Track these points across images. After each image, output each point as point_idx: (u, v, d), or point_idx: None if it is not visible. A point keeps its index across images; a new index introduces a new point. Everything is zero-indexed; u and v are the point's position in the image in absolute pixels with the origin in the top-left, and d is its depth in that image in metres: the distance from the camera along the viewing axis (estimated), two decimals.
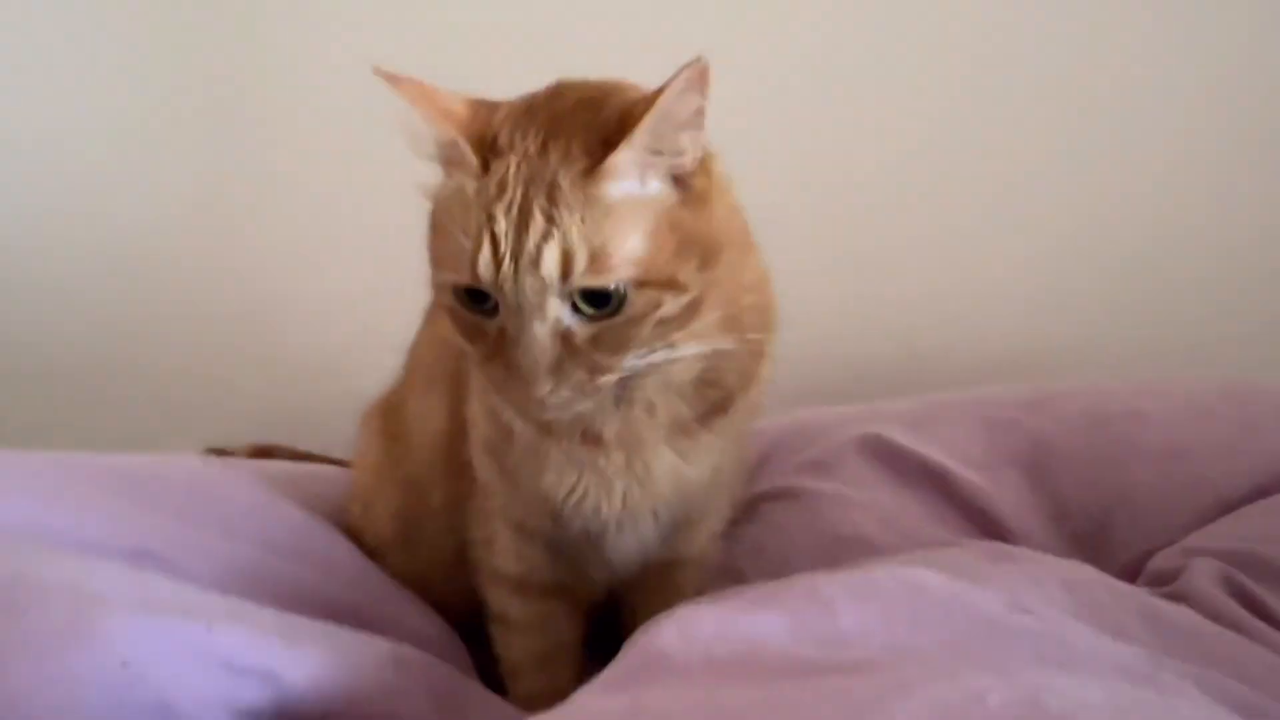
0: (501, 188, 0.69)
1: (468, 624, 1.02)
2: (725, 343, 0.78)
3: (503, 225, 0.68)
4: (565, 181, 0.68)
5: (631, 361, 0.72)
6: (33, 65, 1.45)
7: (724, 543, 1.02)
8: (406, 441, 1.02)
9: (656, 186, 0.71)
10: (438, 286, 0.74)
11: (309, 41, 1.42)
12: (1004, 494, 1.12)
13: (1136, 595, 0.85)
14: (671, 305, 0.71)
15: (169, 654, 0.70)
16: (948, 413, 1.22)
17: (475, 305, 0.71)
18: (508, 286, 0.68)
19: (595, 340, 0.70)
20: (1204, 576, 0.90)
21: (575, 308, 0.69)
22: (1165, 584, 0.93)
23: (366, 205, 1.41)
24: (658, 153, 0.70)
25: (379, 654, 0.81)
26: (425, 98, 0.71)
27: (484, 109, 0.74)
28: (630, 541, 0.89)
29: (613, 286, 0.68)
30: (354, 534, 1.07)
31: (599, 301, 0.69)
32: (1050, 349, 1.41)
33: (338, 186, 1.46)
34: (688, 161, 0.71)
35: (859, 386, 1.40)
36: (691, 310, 0.72)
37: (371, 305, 1.29)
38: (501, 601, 0.93)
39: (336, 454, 1.26)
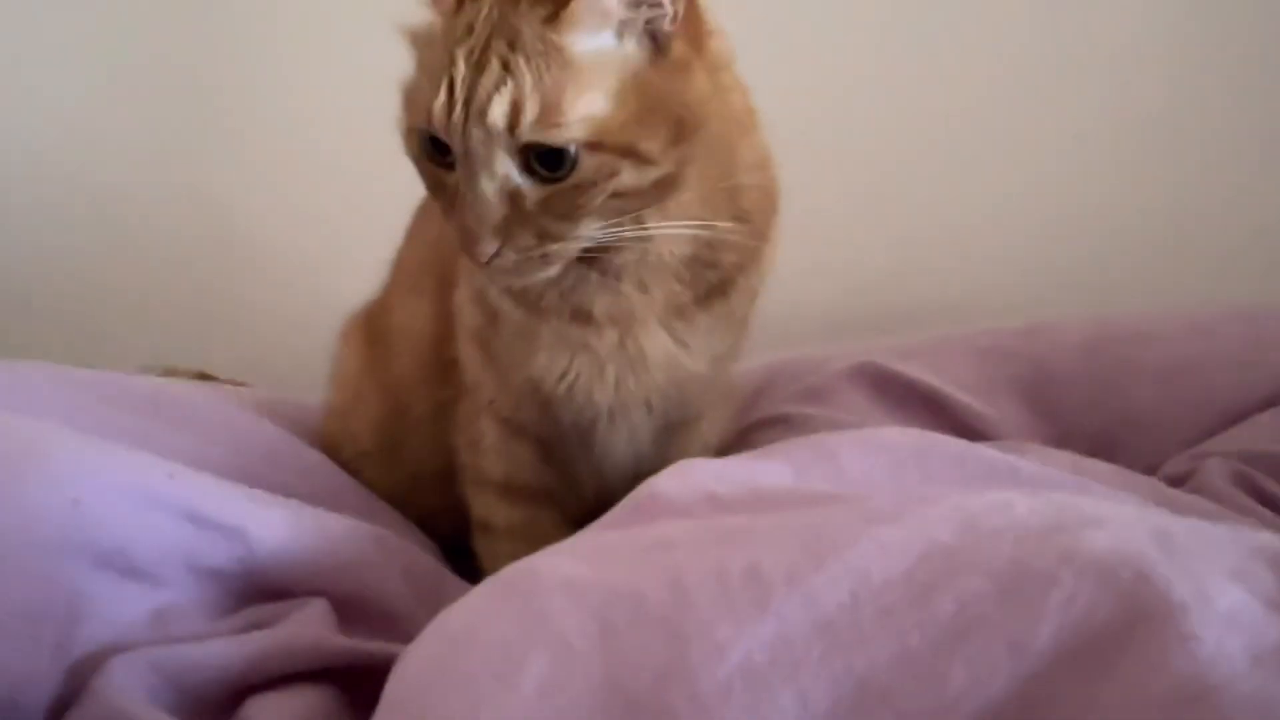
0: (468, 30, 0.65)
1: (448, 548, 0.98)
2: (719, 223, 0.74)
3: (461, 70, 0.64)
4: (528, 27, 0.64)
5: (589, 232, 0.67)
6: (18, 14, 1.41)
7: None
8: (391, 347, 0.98)
9: (633, 46, 0.67)
10: (404, 133, 0.70)
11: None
12: (1001, 417, 1.08)
13: (1149, 482, 0.82)
14: (632, 176, 0.66)
15: (125, 496, 0.64)
16: (942, 344, 1.19)
17: (438, 156, 0.67)
18: (456, 135, 0.64)
19: (545, 204, 0.65)
20: (1216, 475, 0.87)
21: (530, 168, 0.65)
22: (1176, 486, 0.90)
23: (351, 145, 1.38)
24: (633, 3, 0.65)
25: (354, 529, 0.76)
26: None
27: None
28: (622, 436, 0.84)
29: (564, 145, 0.64)
30: (330, 449, 1.02)
31: (553, 164, 0.64)
32: (1045, 296, 1.39)
33: (319, 124, 1.42)
34: (665, 20, 0.67)
35: (843, 334, 1.37)
36: (662, 187, 0.68)
37: (343, 238, 1.26)
38: (486, 507, 0.88)
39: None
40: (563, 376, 0.80)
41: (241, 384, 1.26)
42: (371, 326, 1.02)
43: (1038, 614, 0.45)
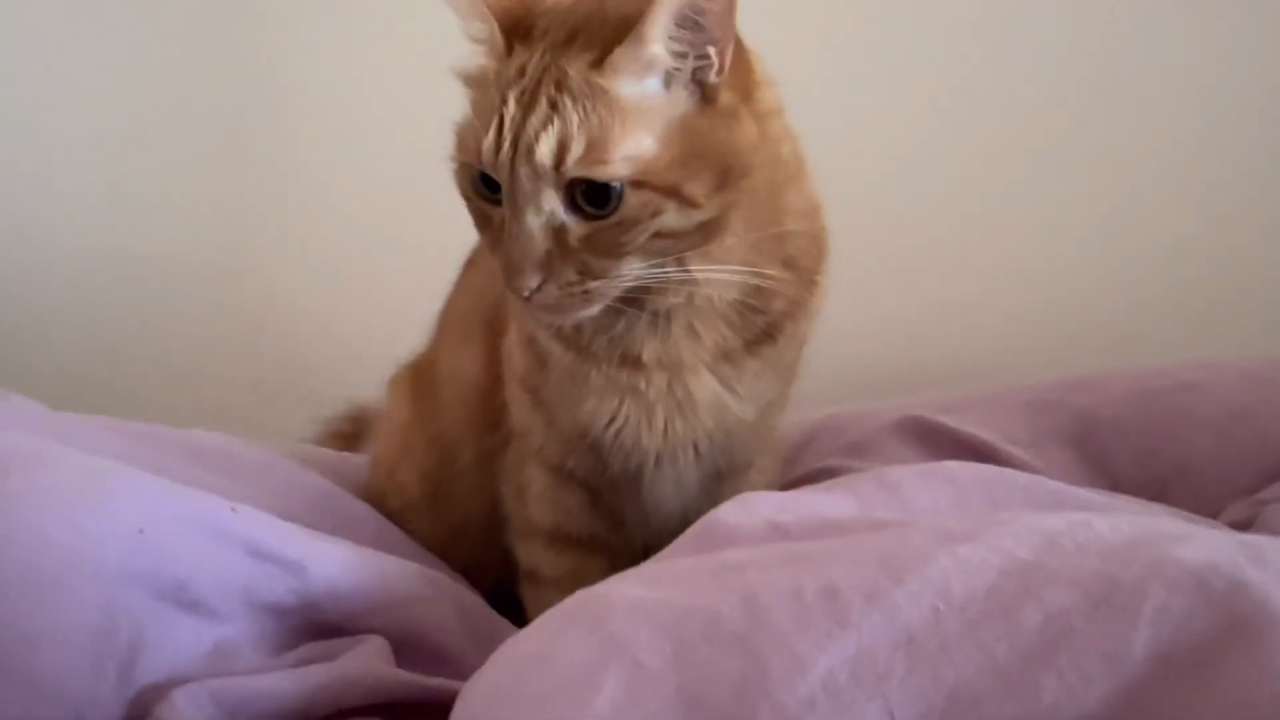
0: (520, 73, 0.67)
1: (492, 601, 0.97)
2: (766, 270, 0.75)
3: (512, 109, 0.66)
4: (574, 70, 0.66)
5: (632, 270, 0.68)
6: (55, 77, 1.46)
7: None
8: (439, 398, 0.98)
9: (681, 93, 0.68)
10: (456, 170, 0.72)
11: (327, 48, 1.44)
12: (1052, 469, 1.06)
13: (1211, 524, 0.80)
14: (675, 218, 0.67)
15: (187, 527, 0.64)
16: (988, 398, 1.18)
17: (486, 192, 0.69)
18: (504, 171, 0.66)
19: (588, 241, 0.66)
20: (1278, 519, 0.85)
21: (575, 206, 0.66)
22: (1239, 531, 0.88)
23: (386, 213, 1.42)
24: (679, 54, 0.67)
25: (408, 567, 0.75)
26: None
27: None
28: (668, 483, 0.84)
29: (608, 181, 0.65)
30: (376, 501, 1.02)
31: (598, 201, 0.66)
32: (1085, 351, 1.38)
33: (354, 192, 1.45)
34: (711, 71, 0.68)
35: (884, 390, 1.36)
36: (706, 231, 0.69)
37: (386, 311, 1.28)
38: (534, 557, 0.87)
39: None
40: (611, 421, 0.79)
41: None
42: (419, 378, 1.03)
43: (1131, 624, 0.44)
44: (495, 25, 0.69)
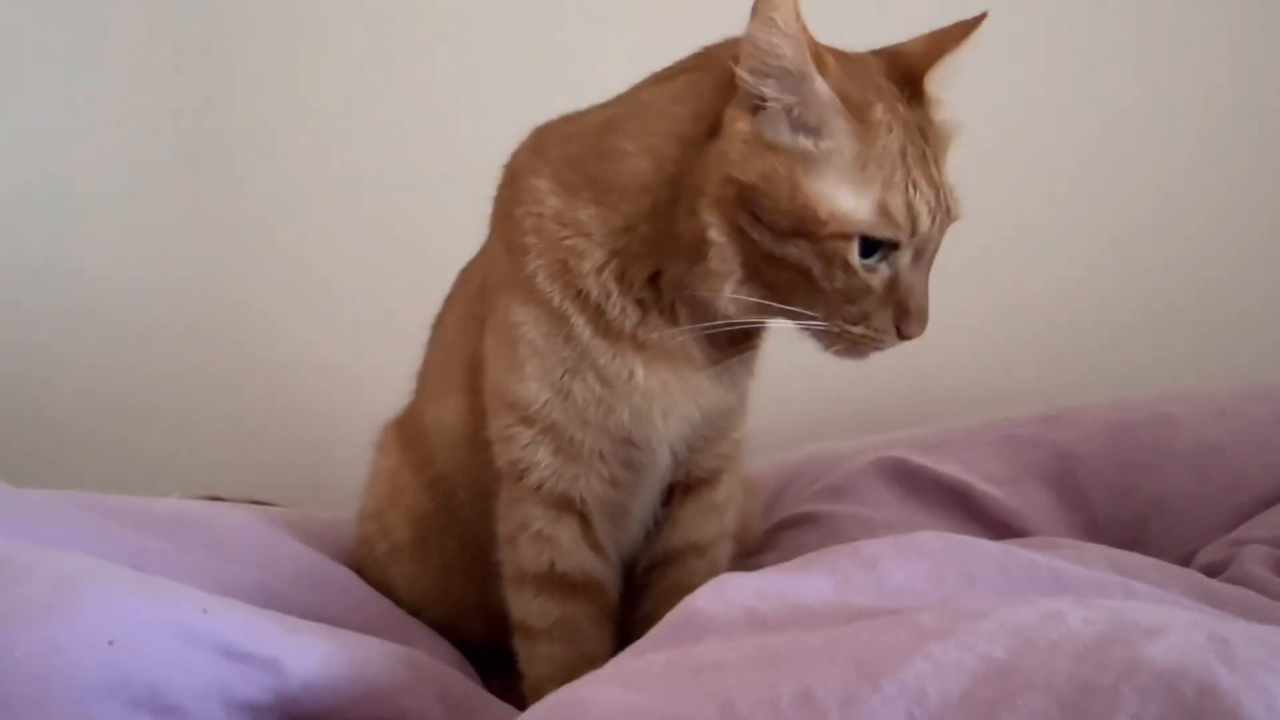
0: (918, 131, 0.74)
1: (479, 656, 0.97)
2: None
3: (936, 174, 0.73)
4: (929, 123, 0.76)
5: None
6: (36, 127, 1.46)
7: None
8: (428, 444, 0.98)
9: None
10: (837, 239, 0.71)
11: (308, 108, 1.44)
12: (1030, 508, 1.08)
13: (1188, 574, 0.81)
14: None
15: (159, 635, 0.64)
16: (964, 435, 1.19)
17: (863, 260, 0.72)
18: (932, 234, 0.73)
19: None
20: (1254, 562, 0.86)
21: None
22: (1215, 575, 0.89)
23: (360, 269, 1.42)
24: None
25: (387, 652, 0.75)
26: None
27: None
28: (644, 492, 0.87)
29: None
30: (364, 548, 1.02)
31: None
32: (1061, 381, 1.39)
33: (332, 250, 1.46)
34: None
35: (861, 426, 1.37)
36: None
37: (362, 361, 1.28)
38: (524, 606, 0.87)
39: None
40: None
41: (266, 503, 1.26)
42: (404, 429, 1.03)
43: None
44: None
